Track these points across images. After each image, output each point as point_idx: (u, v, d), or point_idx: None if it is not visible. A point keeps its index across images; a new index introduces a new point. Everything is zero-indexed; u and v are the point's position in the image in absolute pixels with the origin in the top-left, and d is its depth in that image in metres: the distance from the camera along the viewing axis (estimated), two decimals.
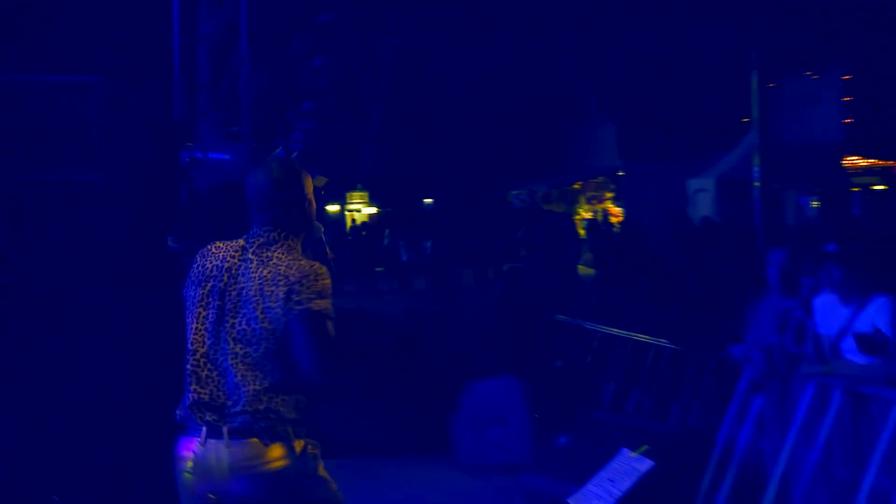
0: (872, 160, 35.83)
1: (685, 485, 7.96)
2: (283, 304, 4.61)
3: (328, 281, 4.74)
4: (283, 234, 4.83)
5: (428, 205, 40.27)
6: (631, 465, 7.91)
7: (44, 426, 7.98)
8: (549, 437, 8.99)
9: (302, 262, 4.75)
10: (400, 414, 10.45)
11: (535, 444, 9.20)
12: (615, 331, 11.25)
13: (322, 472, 4.85)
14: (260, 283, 4.67)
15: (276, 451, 4.63)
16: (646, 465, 7.84)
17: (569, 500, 7.95)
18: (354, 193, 44.10)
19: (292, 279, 4.65)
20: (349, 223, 42.84)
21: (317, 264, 4.84)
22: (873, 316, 7.19)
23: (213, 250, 4.85)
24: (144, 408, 7.85)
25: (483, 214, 32.87)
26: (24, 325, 7.87)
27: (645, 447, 7.98)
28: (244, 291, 4.70)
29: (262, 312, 4.63)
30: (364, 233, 34.66)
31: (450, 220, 30.81)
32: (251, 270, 4.71)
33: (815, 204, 29.15)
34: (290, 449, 4.67)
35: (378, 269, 28.40)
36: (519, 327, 13.02)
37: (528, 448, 9.25)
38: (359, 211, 44.14)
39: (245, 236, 4.88)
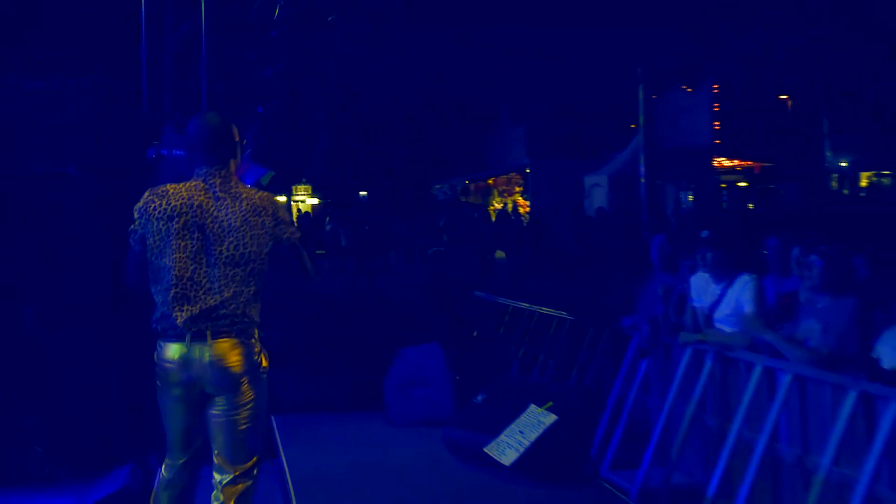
0: (737, 161, 36.35)
1: (583, 435, 7.99)
2: (271, 232, 5.01)
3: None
4: (228, 171, 5.10)
5: (363, 196, 40.06)
6: (538, 418, 7.94)
7: (26, 387, 7.94)
8: (468, 395, 9.01)
9: (263, 194, 5.11)
10: (339, 376, 10.45)
11: (456, 401, 9.21)
12: (523, 305, 11.29)
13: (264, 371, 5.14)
14: (243, 215, 4.95)
15: (245, 348, 4.98)
16: (550, 418, 7.87)
17: (485, 449, 7.98)
18: (299, 186, 43.78)
19: (270, 210, 5.04)
20: (295, 212, 42.53)
21: (267, 193, 5.18)
22: (738, 291, 7.30)
23: (172, 191, 5.03)
24: (114, 356, 7.89)
25: (411, 205, 32.82)
26: (9, 293, 7.88)
27: (549, 403, 8.02)
28: (226, 223, 4.94)
29: (249, 238, 4.94)
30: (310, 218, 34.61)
31: (382, 210, 30.74)
32: (229, 206, 4.97)
33: (690, 197, 29.43)
34: (252, 346, 5.03)
35: (320, 251, 28.18)
36: (441, 302, 13.02)
37: (450, 405, 9.25)
38: (303, 202, 43.81)
39: (197, 176, 5.09)
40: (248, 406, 5.00)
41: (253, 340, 5.04)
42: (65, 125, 8.28)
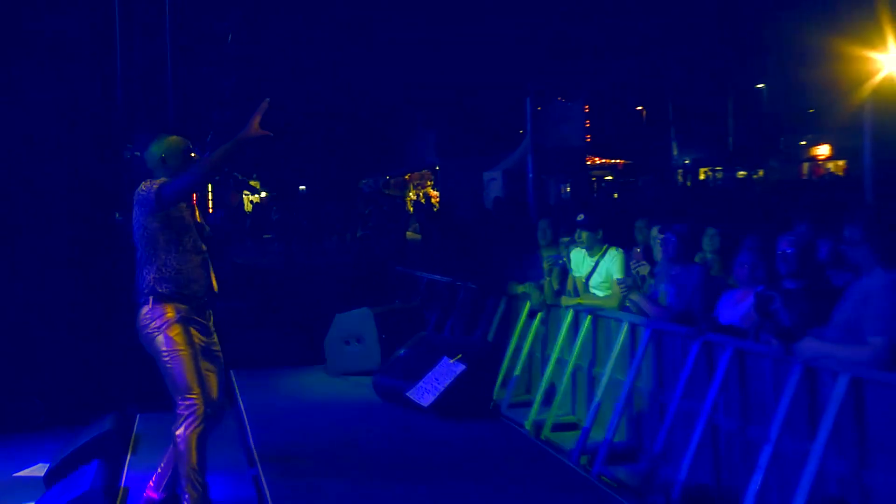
0: (605, 159, 36.81)
1: (486, 381, 8.00)
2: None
3: (144, 183, 5.00)
4: None
5: (302, 190, 39.69)
6: (450, 368, 7.93)
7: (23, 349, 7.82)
8: (393, 350, 8.99)
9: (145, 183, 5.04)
10: (287, 336, 10.37)
11: (383, 355, 9.18)
12: (436, 277, 11.31)
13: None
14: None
15: (138, 310, 4.97)
16: (460, 368, 7.86)
17: (407, 394, 7.95)
18: (251, 182, 43.31)
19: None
20: (247, 203, 42.03)
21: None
22: (608, 263, 7.35)
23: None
24: (94, 321, 7.79)
25: (341, 197, 32.63)
26: (8, 272, 7.78)
27: (459, 356, 8.02)
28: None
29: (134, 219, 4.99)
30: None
31: (318, 200, 30.55)
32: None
33: (567, 188, 29.66)
34: (141, 309, 4.97)
35: (267, 235, 27.90)
36: (369, 275, 12.97)
37: (377, 359, 9.21)
38: (257, 193, 43.39)
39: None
40: (157, 359, 4.94)
41: (146, 308, 4.94)
42: (56, 132, 8.16)
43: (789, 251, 5.47)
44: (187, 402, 4.86)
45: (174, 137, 5.18)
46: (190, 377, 4.87)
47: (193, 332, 4.98)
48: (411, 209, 34.15)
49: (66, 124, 8.22)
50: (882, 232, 4.74)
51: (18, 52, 8.26)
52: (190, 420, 4.86)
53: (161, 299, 4.90)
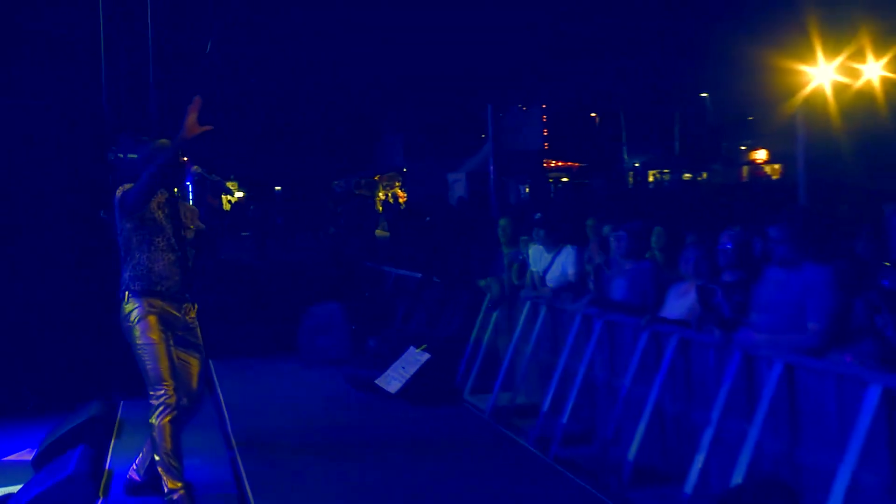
0: (561, 162, 36.95)
1: (450, 369, 8.01)
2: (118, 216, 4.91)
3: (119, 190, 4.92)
4: None
5: (278, 191, 39.45)
6: (416, 357, 7.93)
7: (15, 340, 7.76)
8: (362, 341, 8.98)
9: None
10: (262, 328, 10.29)
11: (353, 346, 9.16)
12: (403, 272, 11.29)
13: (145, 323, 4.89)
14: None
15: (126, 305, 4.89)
16: (425, 357, 7.87)
17: (376, 381, 7.94)
18: (228, 182, 42.95)
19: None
20: (226, 203, 41.73)
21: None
22: (564, 258, 7.37)
23: None
24: (80, 314, 7.75)
25: (315, 197, 32.47)
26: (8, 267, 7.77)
27: (424, 346, 8.02)
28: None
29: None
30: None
31: (293, 200, 30.41)
32: None
33: (527, 189, 29.75)
34: (122, 304, 4.91)
35: (244, 233, 27.71)
36: (340, 271, 12.91)
37: (348, 349, 9.20)
38: (232, 194, 43.06)
39: None
40: (132, 350, 4.88)
41: (124, 303, 4.90)
42: (46, 136, 8.13)
43: (728, 247, 5.54)
44: (159, 393, 4.81)
45: (163, 141, 5.09)
46: (162, 368, 4.80)
47: (168, 325, 4.92)
48: (380, 208, 34.18)
49: (55, 127, 8.16)
50: (810, 230, 4.85)
51: (8, 58, 8.19)
52: (162, 409, 4.81)
53: (135, 295, 4.87)
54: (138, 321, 4.84)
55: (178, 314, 4.96)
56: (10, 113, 7.94)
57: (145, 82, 10.19)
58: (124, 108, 9.48)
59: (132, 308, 4.87)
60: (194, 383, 5.05)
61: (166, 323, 4.89)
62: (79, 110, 8.33)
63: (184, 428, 5.03)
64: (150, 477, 5.06)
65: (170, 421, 4.82)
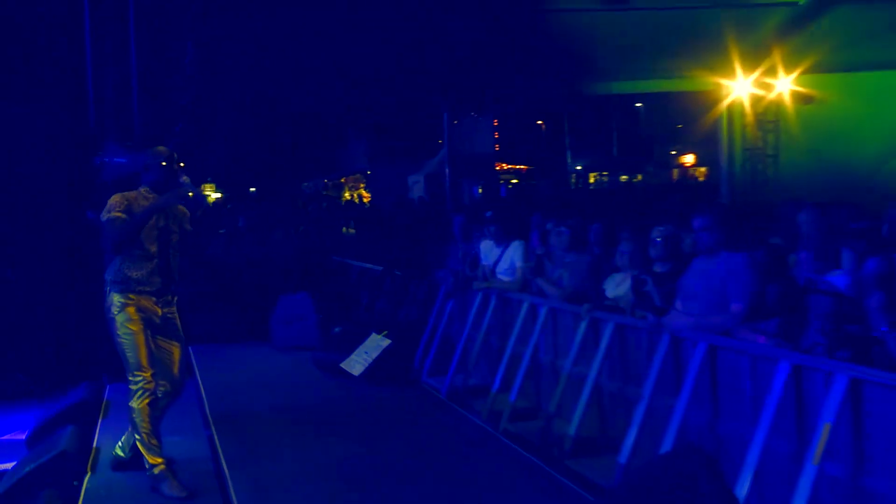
0: (510, 165, 37.07)
1: (408, 354, 8.03)
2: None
3: (111, 202, 4.81)
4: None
5: (252, 191, 39.09)
6: (378, 343, 7.93)
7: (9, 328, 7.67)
8: (328, 328, 8.95)
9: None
10: (238, 316, 10.22)
11: (321, 333, 9.13)
12: (367, 265, 11.27)
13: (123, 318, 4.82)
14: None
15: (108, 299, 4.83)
16: (386, 343, 7.87)
17: (341, 365, 7.92)
18: (206, 185, 42.47)
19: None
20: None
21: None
22: (512, 252, 7.40)
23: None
24: (69, 304, 7.66)
25: (286, 197, 32.22)
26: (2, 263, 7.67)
27: (385, 332, 8.03)
28: None
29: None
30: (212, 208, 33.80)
31: (265, 201, 30.08)
32: None
33: (480, 190, 29.78)
34: (105, 298, 4.85)
35: (221, 230, 27.41)
36: (309, 264, 12.83)
37: (316, 335, 9.16)
38: (209, 195, 42.56)
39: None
40: (113, 339, 4.83)
41: (107, 297, 4.85)
42: (36, 140, 8.00)
43: (659, 240, 5.61)
44: (136, 378, 4.78)
45: (160, 148, 5.06)
46: (140, 356, 4.76)
47: (147, 316, 4.85)
48: (346, 207, 34.02)
49: (47, 134, 8.04)
50: (728, 221, 4.96)
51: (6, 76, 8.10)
52: (138, 393, 4.79)
53: (116, 290, 4.83)
54: (118, 313, 4.80)
55: (157, 308, 4.90)
56: (4, 119, 7.82)
57: (129, 90, 10.05)
58: (109, 116, 9.37)
59: (113, 301, 4.83)
60: (175, 370, 5.00)
61: (145, 314, 4.84)
62: (69, 119, 8.22)
63: (167, 410, 5.00)
64: (134, 454, 5.02)
65: (148, 404, 4.80)
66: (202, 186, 42.42)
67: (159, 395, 4.88)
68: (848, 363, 3.83)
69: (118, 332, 4.79)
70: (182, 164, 5.03)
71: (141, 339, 4.78)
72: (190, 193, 4.94)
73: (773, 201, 9.83)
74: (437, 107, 24.86)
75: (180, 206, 5.04)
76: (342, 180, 42.16)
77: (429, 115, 29.98)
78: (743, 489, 3.95)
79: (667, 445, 4.60)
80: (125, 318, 4.78)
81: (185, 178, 5.03)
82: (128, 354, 4.78)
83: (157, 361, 4.88)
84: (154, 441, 4.82)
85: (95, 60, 8.70)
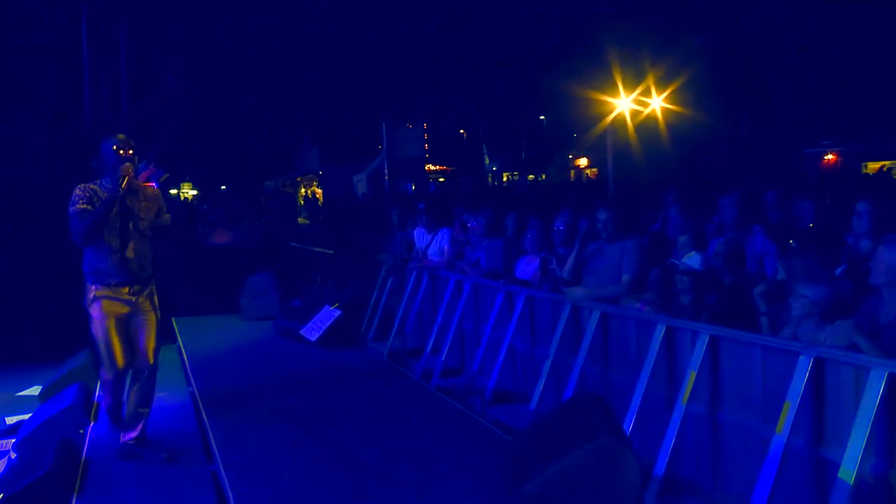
0: (438, 166, 37.05)
1: (356, 323, 7.95)
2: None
3: (75, 193, 4.34)
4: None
5: (224, 189, 38.16)
6: (330, 313, 7.86)
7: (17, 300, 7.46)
8: (289, 301, 8.82)
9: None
10: (213, 292, 10.01)
11: (282, 305, 8.99)
12: (319, 249, 11.13)
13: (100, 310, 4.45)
14: None
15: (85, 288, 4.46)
16: (337, 313, 7.82)
17: (300, 332, 7.83)
18: (184, 184, 41.32)
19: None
20: (182, 200, 40.12)
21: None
22: (440, 237, 7.38)
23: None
24: (74, 284, 7.43)
25: (250, 194, 31.63)
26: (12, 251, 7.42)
27: (336, 304, 7.95)
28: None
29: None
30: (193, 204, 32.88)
31: (235, 197, 29.45)
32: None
33: (413, 186, 29.73)
34: (86, 289, 4.46)
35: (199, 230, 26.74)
36: (271, 249, 12.61)
37: (278, 307, 9.02)
38: (187, 192, 41.36)
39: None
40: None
41: (86, 287, 4.41)
42: (36, 144, 7.68)
43: (561, 228, 5.69)
44: (106, 361, 4.47)
45: (115, 137, 4.48)
46: (108, 340, 4.40)
47: (117, 305, 4.40)
48: (302, 202, 33.53)
49: (47, 139, 7.72)
50: (624, 213, 5.10)
51: (3, 73, 7.71)
52: (108, 372, 4.51)
53: (90, 282, 4.43)
54: (92, 303, 4.40)
55: (130, 298, 4.41)
56: (6, 124, 7.46)
57: (121, 102, 9.70)
58: (104, 122, 9.03)
59: (87, 291, 4.43)
60: (150, 353, 4.52)
61: (118, 304, 4.40)
62: (67, 125, 7.90)
63: (148, 390, 4.60)
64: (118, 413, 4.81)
65: (111, 381, 4.52)
66: (182, 185, 41.25)
67: (133, 382, 4.55)
68: (709, 324, 3.94)
69: (92, 320, 4.43)
70: (131, 152, 4.37)
71: (111, 324, 4.38)
72: (130, 167, 4.29)
73: (650, 195, 10.08)
74: (377, 118, 24.72)
75: (149, 195, 4.50)
76: (298, 179, 41.53)
77: (370, 125, 29.83)
78: (629, 426, 4.04)
79: (568, 394, 4.68)
80: (96, 311, 4.38)
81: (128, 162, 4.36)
82: (99, 339, 4.43)
83: (131, 350, 4.49)
84: (118, 411, 4.63)
85: (91, 77, 8.37)
